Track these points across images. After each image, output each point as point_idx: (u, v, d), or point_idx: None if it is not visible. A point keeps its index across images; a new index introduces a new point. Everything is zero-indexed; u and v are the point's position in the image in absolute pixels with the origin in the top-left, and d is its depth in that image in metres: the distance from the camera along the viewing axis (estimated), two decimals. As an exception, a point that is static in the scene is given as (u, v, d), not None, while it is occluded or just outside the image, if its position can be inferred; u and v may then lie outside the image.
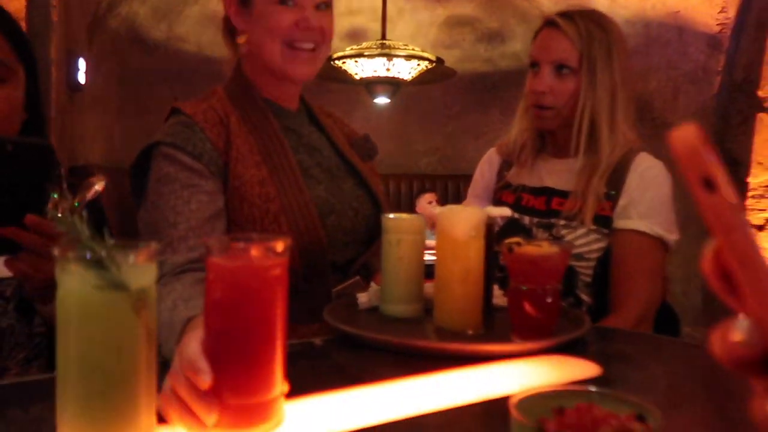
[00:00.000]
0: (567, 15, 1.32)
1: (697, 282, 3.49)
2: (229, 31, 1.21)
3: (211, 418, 0.55)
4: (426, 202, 3.95)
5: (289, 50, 1.12)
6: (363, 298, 1.08)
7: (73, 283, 0.49)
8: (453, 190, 4.71)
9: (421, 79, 4.02)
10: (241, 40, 1.17)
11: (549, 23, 1.34)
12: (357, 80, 3.82)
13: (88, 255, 0.48)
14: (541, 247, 0.91)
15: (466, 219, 0.91)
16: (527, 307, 0.85)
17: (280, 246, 0.58)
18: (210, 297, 0.58)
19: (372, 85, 3.92)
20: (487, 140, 5.16)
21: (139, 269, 0.50)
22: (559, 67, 1.30)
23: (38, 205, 0.74)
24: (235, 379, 0.56)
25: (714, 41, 3.64)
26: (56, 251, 0.49)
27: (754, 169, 3.40)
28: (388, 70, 3.75)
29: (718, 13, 3.61)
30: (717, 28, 3.62)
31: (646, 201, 1.26)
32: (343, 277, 1.16)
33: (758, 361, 0.33)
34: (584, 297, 1.29)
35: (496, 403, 0.64)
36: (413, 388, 0.70)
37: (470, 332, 0.92)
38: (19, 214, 0.75)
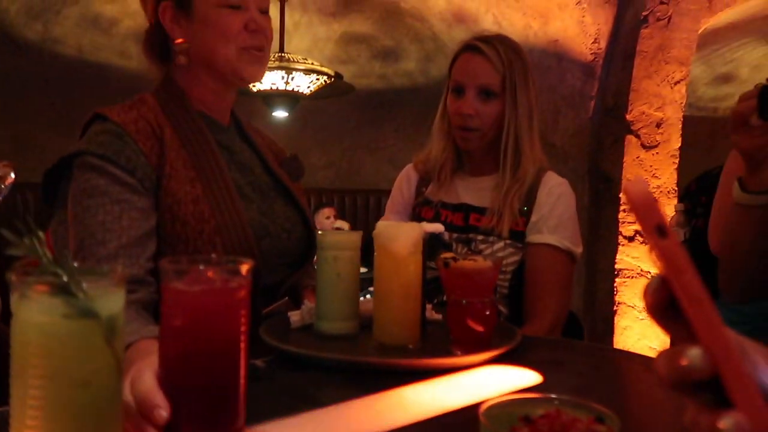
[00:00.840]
0: (486, 41, 1.39)
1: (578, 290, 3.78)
2: (156, 41, 1.16)
3: None
4: (324, 218, 3.94)
5: (244, 52, 1.11)
6: (295, 316, 1.06)
7: (36, 312, 0.44)
8: (350, 205, 4.75)
9: (319, 93, 4.02)
10: (181, 47, 1.11)
11: (470, 48, 1.40)
12: (255, 93, 3.75)
13: (55, 280, 0.43)
14: (476, 262, 0.95)
15: (406, 235, 0.93)
16: (468, 320, 0.89)
17: (244, 268, 0.55)
18: (168, 324, 0.54)
19: (270, 98, 3.86)
20: (382, 155, 5.27)
21: (109, 295, 0.46)
22: (484, 92, 1.37)
23: None
24: (199, 410, 0.53)
25: (588, 69, 3.99)
26: (13, 277, 0.44)
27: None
28: (287, 83, 3.72)
29: (591, 43, 3.97)
30: (591, 57, 3.97)
31: (555, 217, 1.35)
32: (272, 298, 1.14)
33: (702, 383, 0.38)
34: (501, 308, 1.36)
35: (458, 415, 0.66)
36: (372, 406, 0.70)
37: (411, 346, 0.93)
38: None
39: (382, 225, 0.97)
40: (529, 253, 1.35)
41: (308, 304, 1.06)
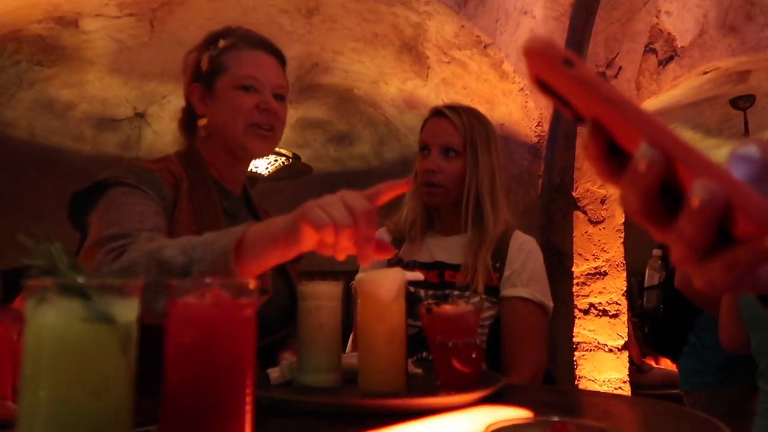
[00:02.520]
0: (452, 108, 1.51)
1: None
2: (187, 119, 1.27)
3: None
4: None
5: (251, 128, 1.21)
6: (275, 372, 1.03)
7: (53, 315, 0.43)
8: (307, 286, 4.70)
9: (278, 175, 4.08)
10: (203, 122, 1.24)
11: (437, 113, 1.51)
12: (213, 173, 3.77)
13: (73, 284, 0.43)
14: (458, 306, 0.97)
15: (390, 280, 0.94)
16: (455, 362, 0.89)
17: (251, 284, 0.56)
18: (176, 343, 0.53)
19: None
20: (338, 236, 5.30)
21: (125, 303, 0.46)
22: (447, 150, 1.46)
23: None
24: (204, 433, 0.52)
25: (534, 149, 4.22)
26: (30, 282, 0.43)
27: (576, 260, 3.88)
28: (245, 164, 3.76)
29: (535, 126, 4.23)
30: (535, 139, 4.22)
31: (527, 271, 1.40)
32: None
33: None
34: (477, 363, 1.36)
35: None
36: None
37: (396, 393, 0.92)
38: None
39: (364, 273, 0.98)
40: (504, 307, 1.38)
41: (289, 358, 1.04)
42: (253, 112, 1.20)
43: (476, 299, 1.36)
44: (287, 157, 3.86)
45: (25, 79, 3.87)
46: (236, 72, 1.21)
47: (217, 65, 1.22)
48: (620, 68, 3.91)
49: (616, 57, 3.91)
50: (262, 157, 1.30)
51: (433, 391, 0.91)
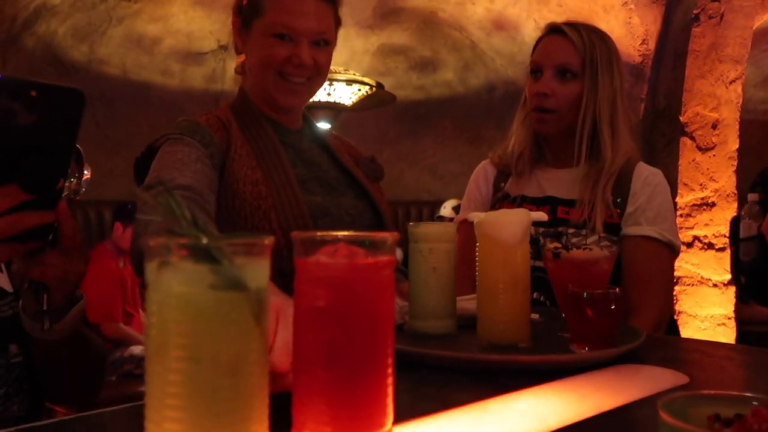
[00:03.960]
0: (570, 24, 1.34)
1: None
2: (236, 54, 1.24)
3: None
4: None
5: (282, 80, 1.14)
6: (385, 316, 0.98)
7: (178, 281, 0.37)
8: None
9: (360, 105, 3.99)
10: (239, 60, 1.19)
11: (553, 30, 1.35)
12: (297, 105, 3.73)
13: (199, 244, 0.37)
14: (591, 251, 0.86)
15: (514, 222, 0.85)
16: (591, 314, 0.79)
17: (389, 240, 0.48)
18: (308, 306, 0.46)
19: (312, 110, 3.83)
20: (422, 167, 5.20)
21: (256, 265, 0.39)
22: (563, 72, 1.31)
23: (65, 161, 0.62)
24: (345, 407, 0.45)
25: (637, 71, 3.86)
26: (151, 242, 0.37)
27: (681, 190, 3.60)
28: (329, 95, 3.69)
29: (640, 44, 3.85)
30: (639, 59, 3.86)
31: (654, 207, 1.26)
32: None
33: None
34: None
35: (621, 415, 0.57)
36: (513, 407, 0.61)
37: (522, 345, 0.84)
38: (45, 174, 0.65)
39: (484, 214, 0.89)
40: (626, 247, 1.26)
41: (400, 302, 0.99)
42: (285, 65, 1.12)
43: (595, 237, 1.24)
44: (370, 86, 3.74)
45: (114, 15, 3.92)
46: (272, 18, 1.11)
47: (255, 4, 1.13)
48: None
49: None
50: (297, 110, 1.23)
51: (564, 346, 0.82)
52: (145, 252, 0.37)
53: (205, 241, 0.37)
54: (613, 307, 0.80)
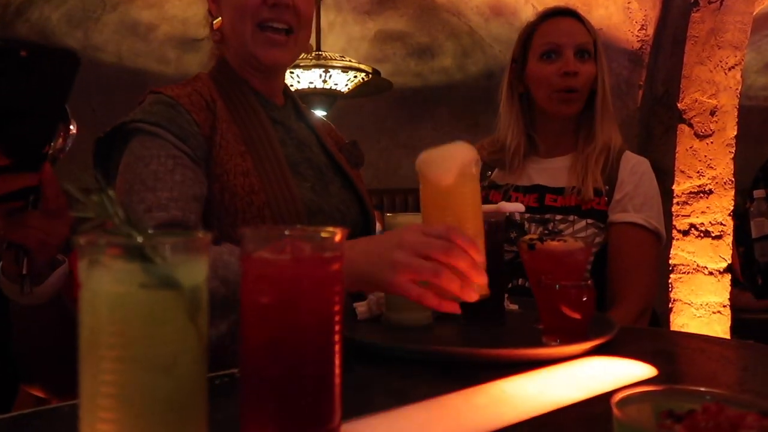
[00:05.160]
0: (571, 9, 1.37)
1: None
2: (212, 22, 1.13)
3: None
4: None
5: (260, 32, 1.02)
6: (362, 307, 0.98)
7: (108, 281, 0.36)
8: (389, 205, 4.68)
9: (357, 92, 3.96)
10: (217, 24, 1.08)
11: (559, 13, 1.35)
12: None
13: (131, 243, 0.36)
14: (566, 243, 0.85)
15: (451, 158, 0.77)
16: (563, 307, 0.79)
17: (337, 236, 0.47)
18: (253, 302, 0.46)
19: (308, 97, 3.81)
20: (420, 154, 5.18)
21: (191, 263, 0.39)
22: (582, 52, 1.31)
23: (53, 124, 0.60)
24: (291, 404, 0.45)
25: (635, 57, 3.83)
26: (81, 240, 0.36)
27: (678, 177, 3.58)
28: (324, 81, 3.67)
29: (638, 30, 3.81)
30: (638, 45, 3.82)
31: (641, 195, 1.27)
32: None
33: None
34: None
35: (577, 411, 0.57)
36: (470, 401, 0.61)
37: (480, 295, 0.79)
38: (33, 137, 0.63)
39: (426, 152, 0.82)
40: (613, 233, 1.26)
41: (376, 293, 0.98)
42: (261, 9, 1.00)
43: (582, 223, 1.24)
44: (367, 73, 3.72)
45: (108, 1, 3.89)
46: None
47: None
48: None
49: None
50: (281, 66, 1.11)
51: (536, 339, 0.82)
52: (76, 250, 0.37)
53: (136, 239, 0.36)
54: (584, 299, 0.80)
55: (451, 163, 0.75)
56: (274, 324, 0.44)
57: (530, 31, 1.36)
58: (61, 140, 0.74)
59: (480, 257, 0.71)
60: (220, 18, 1.08)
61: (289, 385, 0.45)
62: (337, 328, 0.47)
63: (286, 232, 0.45)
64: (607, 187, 1.27)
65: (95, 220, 0.38)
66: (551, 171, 1.34)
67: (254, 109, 1.05)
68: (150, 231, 0.38)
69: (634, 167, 1.30)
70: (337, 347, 0.47)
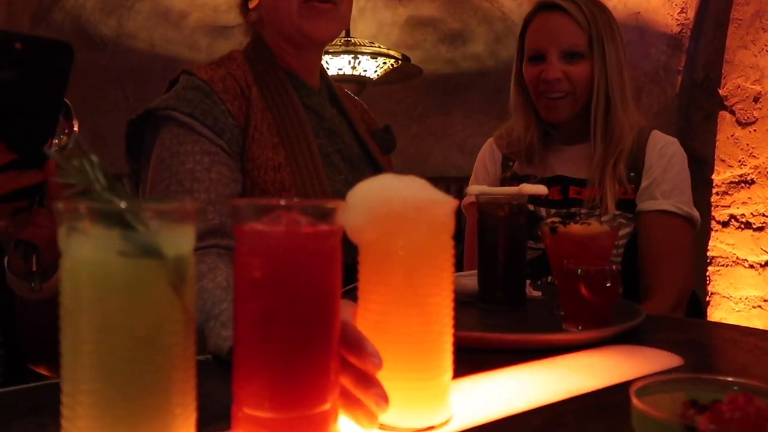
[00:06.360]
0: None
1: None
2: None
3: (383, 408, 0.46)
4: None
5: (306, 6, 1.00)
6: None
7: (87, 248, 0.35)
8: (418, 193, 4.64)
9: (387, 78, 3.93)
10: (253, 2, 1.06)
11: (547, 7, 1.25)
12: (321, 78, 3.69)
13: (111, 209, 0.34)
14: (590, 226, 0.81)
15: (368, 201, 0.53)
16: (585, 292, 0.75)
17: (337, 209, 0.45)
18: (245, 277, 0.44)
19: (337, 83, 3.79)
20: (451, 142, 5.12)
21: (176, 232, 0.37)
22: (570, 55, 1.22)
23: (53, 118, 0.60)
24: (282, 382, 0.43)
25: (674, 41, 3.69)
26: (61, 206, 0.35)
27: (718, 167, 3.45)
28: (354, 68, 3.65)
29: (678, 13, 3.68)
30: (677, 29, 3.68)
31: (670, 179, 1.20)
32: (351, 279, 1.03)
33: None
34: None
35: (595, 399, 0.54)
36: (485, 386, 0.58)
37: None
38: (33, 132, 0.62)
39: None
40: (642, 223, 1.20)
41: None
42: None
43: (608, 217, 1.19)
44: (396, 59, 3.68)
45: (140, -12, 3.94)
46: None
47: None
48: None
49: None
50: (328, 40, 1.08)
51: (557, 326, 0.78)
52: (56, 216, 0.35)
53: (116, 204, 0.35)
54: (608, 284, 0.76)
55: (362, 211, 0.51)
56: (266, 299, 0.42)
57: (523, 28, 1.29)
58: (64, 138, 0.73)
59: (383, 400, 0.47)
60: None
61: (281, 363, 0.43)
62: (335, 306, 0.45)
63: (282, 203, 0.43)
64: (633, 174, 1.21)
65: (77, 186, 0.36)
66: (572, 160, 1.28)
67: (289, 95, 1.03)
68: (132, 197, 0.36)
69: (662, 149, 1.23)
70: (334, 326, 0.44)
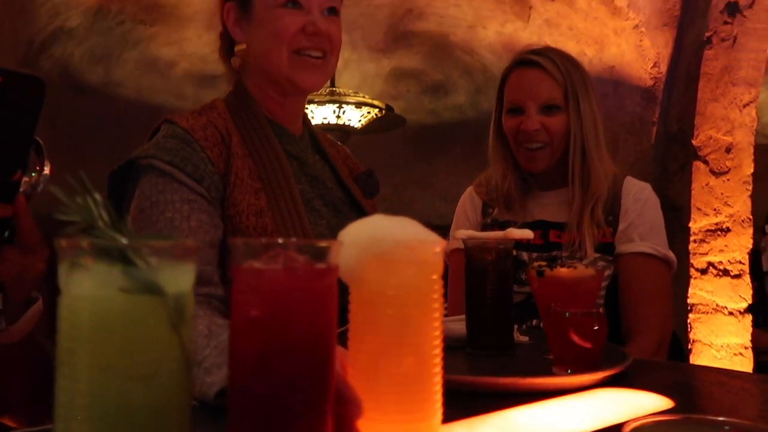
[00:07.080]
0: (541, 53, 1.29)
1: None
2: (227, 46, 1.11)
3: None
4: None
5: (297, 57, 1.03)
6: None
7: (89, 284, 0.35)
8: (401, 240, 4.65)
9: (370, 128, 4.00)
10: (240, 48, 1.07)
11: (524, 63, 1.30)
12: (306, 127, 3.75)
13: (113, 246, 0.35)
14: (576, 269, 0.83)
15: (360, 239, 0.52)
16: (574, 335, 0.76)
17: (332, 249, 0.45)
18: (242, 315, 0.44)
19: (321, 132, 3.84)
20: (433, 191, 5.18)
21: (176, 269, 0.37)
22: (548, 108, 1.27)
23: (23, 153, 0.59)
24: (278, 424, 0.43)
25: (648, 94, 3.83)
26: (63, 242, 0.35)
27: (694, 215, 3.53)
28: (338, 117, 3.71)
29: (651, 67, 3.83)
30: (651, 82, 3.83)
31: (646, 222, 1.24)
32: (339, 323, 1.03)
33: None
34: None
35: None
36: (477, 430, 0.58)
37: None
38: (4, 163, 0.62)
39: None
40: (622, 265, 1.23)
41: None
42: (299, 37, 1.01)
43: (588, 261, 1.21)
44: (380, 109, 3.76)
45: (129, 39, 4.00)
46: None
47: None
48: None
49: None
50: (314, 90, 1.11)
51: (545, 369, 0.78)
52: (57, 253, 0.36)
53: (118, 241, 0.35)
54: (596, 327, 0.77)
55: (353, 250, 0.50)
56: (263, 338, 0.42)
57: (502, 81, 1.34)
58: (36, 176, 0.73)
59: None
60: (244, 44, 1.07)
61: (278, 404, 0.42)
62: (331, 345, 0.45)
63: (279, 241, 0.44)
64: (610, 218, 1.24)
65: (80, 224, 0.36)
66: (552, 205, 1.31)
67: (270, 141, 1.04)
68: (135, 234, 0.37)
69: (637, 194, 1.27)
70: (331, 366, 0.44)
